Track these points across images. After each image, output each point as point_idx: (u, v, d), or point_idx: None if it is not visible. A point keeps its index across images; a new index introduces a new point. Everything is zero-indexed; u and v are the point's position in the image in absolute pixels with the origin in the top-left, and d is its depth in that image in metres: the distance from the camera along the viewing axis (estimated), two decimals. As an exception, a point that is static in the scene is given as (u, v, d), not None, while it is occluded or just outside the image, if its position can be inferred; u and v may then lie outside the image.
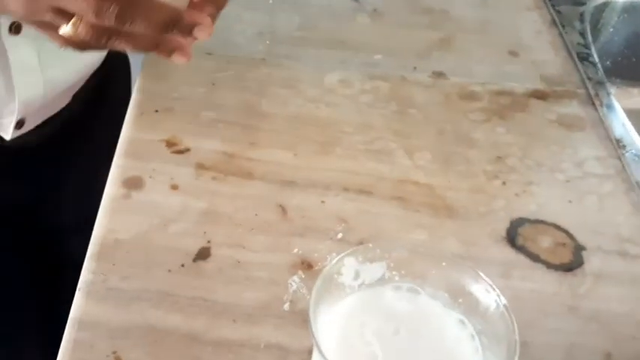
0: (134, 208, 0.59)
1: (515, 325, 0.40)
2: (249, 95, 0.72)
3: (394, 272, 0.44)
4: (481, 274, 0.43)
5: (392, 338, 0.41)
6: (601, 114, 0.74)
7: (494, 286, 0.42)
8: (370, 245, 0.44)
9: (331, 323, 0.41)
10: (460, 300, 0.43)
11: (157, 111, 0.68)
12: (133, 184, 0.61)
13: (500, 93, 0.77)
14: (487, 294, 0.43)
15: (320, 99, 0.72)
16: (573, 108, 0.76)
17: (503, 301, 0.42)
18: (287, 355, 0.50)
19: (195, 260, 0.55)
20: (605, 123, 0.73)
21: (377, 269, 0.44)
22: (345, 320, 0.42)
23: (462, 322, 0.43)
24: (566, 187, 0.66)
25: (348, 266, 0.43)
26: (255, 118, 0.69)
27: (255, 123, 0.69)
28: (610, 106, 0.76)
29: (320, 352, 0.37)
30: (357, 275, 0.44)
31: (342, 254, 0.42)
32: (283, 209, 0.60)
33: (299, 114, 0.71)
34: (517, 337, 0.39)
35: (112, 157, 0.63)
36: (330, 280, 0.42)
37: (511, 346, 0.40)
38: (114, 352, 0.49)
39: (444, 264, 0.44)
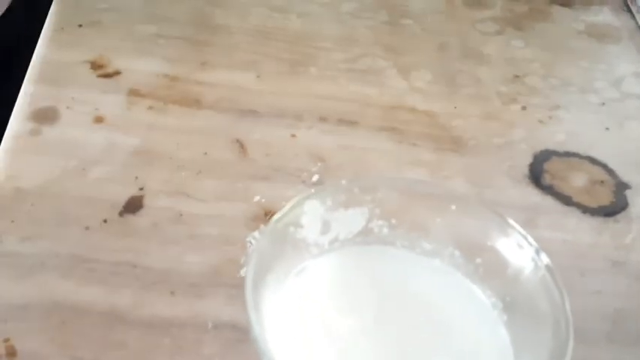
0: (44, 147, 0.53)
1: (566, 296, 0.30)
2: (200, 4, 0.67)
3: (381, 222, 0.37)
4: (511, 221, 0.33)
5: (375, 324, 0.32)
6: (639, 21, 0.71)
7: (530, 239, 0.34)
8: (344, 182, 0.33)
9: (285, 304, 0.33)
10: (478, 260, 0.35)
11: (80, 25, 0.63)
12: (44, 116, 0.54)
13: (516, -1, 0.74)
14: (519, 250, 0.33)
15: (290, 8, 0.68)
16: (605, 15, 0.72)
17: (545, 260, 0.33)
18: (244, 337, 0.42)
19: (122, 214, 0.49)
20: (645, 32, 0.71)
21: (355, 218, 0.36)
22: (307, 298, 0.33)
23: (481, 291, 0.35)
24: (601, 111, 0.61)
25: (311, 214, 0.34)
26: (207, 32, 0.64)
27: (207, 38, 0.64)
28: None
29: (263, 351, 0.25)
30: (326, 227, 0.35)
31: (301, 196, 0.32)
32: (241, 146, 0.55)
33: (263, 27, 0.66)
34: (569, 315, 0.29)
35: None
36: (284, 237, 0.33)
37: (560, 329, 0.29)
38: (5, 340, 0.42)
39: (453, 207, 0.35)
